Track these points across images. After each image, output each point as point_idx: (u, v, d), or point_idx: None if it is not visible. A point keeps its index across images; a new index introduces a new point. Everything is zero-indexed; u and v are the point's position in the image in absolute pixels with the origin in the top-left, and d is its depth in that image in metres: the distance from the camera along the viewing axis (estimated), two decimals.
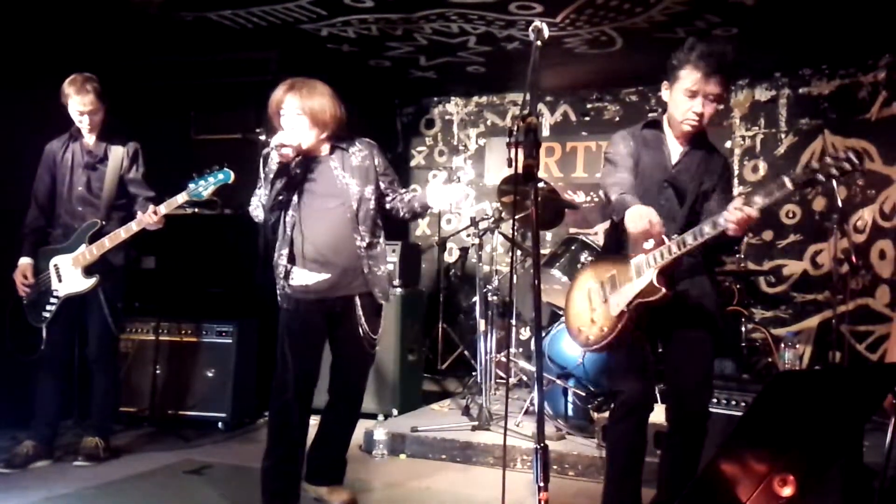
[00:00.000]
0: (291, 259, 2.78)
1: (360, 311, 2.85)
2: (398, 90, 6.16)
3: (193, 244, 4.45)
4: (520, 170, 1.75)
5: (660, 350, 2.55)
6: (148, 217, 3.29)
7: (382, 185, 2.94)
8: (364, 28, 4.51)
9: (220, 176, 3.21)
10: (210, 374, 4.24)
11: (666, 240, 2.32)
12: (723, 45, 2.35)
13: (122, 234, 3.34)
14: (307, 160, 2.83)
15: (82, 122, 3.45)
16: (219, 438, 4.02)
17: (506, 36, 4.61)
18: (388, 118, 6.41)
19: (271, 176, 2.72)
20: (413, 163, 6.38)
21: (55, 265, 3.42)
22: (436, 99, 6.32)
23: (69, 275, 3.40)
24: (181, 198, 3.27)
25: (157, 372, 4.18)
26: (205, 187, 3.22)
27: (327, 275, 2.77)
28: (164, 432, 4.01)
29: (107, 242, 3.34)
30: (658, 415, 2.60)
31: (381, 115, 6.34)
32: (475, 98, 6.21)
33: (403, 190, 3.01)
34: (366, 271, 2.83)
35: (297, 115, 2.74)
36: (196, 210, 4.25)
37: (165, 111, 4.98)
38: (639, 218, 2.24)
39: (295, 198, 2.79)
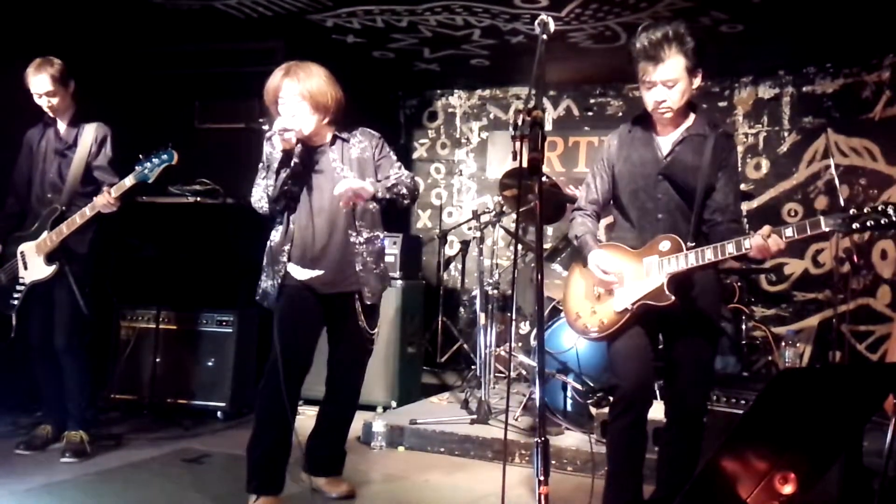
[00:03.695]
0: (290, 255, 2.71)
1: (359, 308, 2.79)
2: (402, 82, 6.15)
3: (195, 233, 4.45)
4: (524, 163, 1.74)
5: (660, 346, 2.55)
6: (102, 198, 3.22)
7: (380, 177, 2.83)
8: (369, 19, 4.50)
9: (164, 156, 3.15)
10: (210, 364, 4.25)
11: (683, 246, 2.32)
12: (663, 26, 2.30)
13: (78, 219, 3.27)
14: (307, 150, 2.75)
15: (43, 105, 3.40)
16: (218, 427, 4.03)
17: (510, 29, 4.60)
18: (390, 110, 6.39)
19: (275, 165, 2.63)
20: (415, 155, 6.37)
21: (21, 252, 3.39)
22: (439, 91, 6.30)
23: (33, 262, 3.36)
24: (129, 181, 3.20)
25: (157, 360, 4.19)
26: (150, 169, 3.16)
27: (321, 271, 2.71)
28: (164, 421, 4.01)
29: (64, 229, 3.29)
30: (658, 411, 2.61)
31: (383, 107, 6.33)
32: (478, 91, 6.19)
33: (392, 180, 2.82)
34: (359, 269, 2.76)
35: (298, 100, 2.65)
36: (198, 199, 4.24)
37: (169, 100, 4.97)
38: (595, 268, 2.43)
39: (297, 190, 2.72)
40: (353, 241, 2.76)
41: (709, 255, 2.26)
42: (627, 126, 2.57)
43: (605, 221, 2.75)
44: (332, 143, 2.79)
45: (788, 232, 2.14)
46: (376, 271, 2.82)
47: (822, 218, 2.10)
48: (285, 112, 2.66)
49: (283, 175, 2.64)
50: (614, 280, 2.42)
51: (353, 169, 2.76)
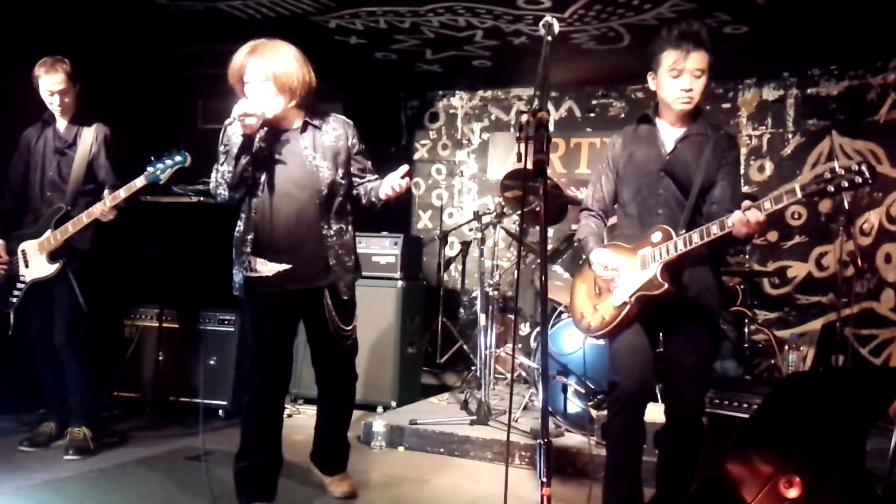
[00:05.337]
0: (255, 245, 2.58)
1: (329, 305, 2.66)
2: (403, 83, 6.14)
3: (198, 232, 4.46)
4: (530, 165, 1.73)
5: (660, 349, 2.58)
6: (98, 207, 3.23)
7: (353, 169, 2.74)
8: (372, 21, 4.49)
9: (178, 158, 3.16)
10: (212, 362, 4.25)
11: (673, 235, 2.36)
12: (695, 24, 2.43)
13: (84, 218, 3.28)
14: (276, 136, 2.61)
15: (53, 103, 3.41)
16: (219, 425, 4.03)
17: (513, 30, 4.59)
18: (392, 111, 6.39)
19: (234, 151, 2.48)
20: (416, 156, 6.36)
21: (22, 250, 3.39)
22: (440, 92, 6.30)
23: (35, 260, 3.37)
24: (139, 181, 3.20)
25: (160, 359, 4.19)
26: (162, 170, 3.16)
27: (287, 265, 2.58)
28: (166, 419, 4.02)
29: (70, 227, 3.30)
30: (658, 414, 2.61)
31: (385, 107, 6.33)
32: (480, 92, 6.19)
33: (372, 176, 2.79)
34: (332, 262, 2.65)
35: (262, 80, 2.50)
36: (201, 199, 4.25)
37: (173, 100, 4.97)
38: (597, 265, 2.47)
39: (263, 177, 2.57)
40: (325, 233, 2.64)
41: (695, 238, 2.31)
42: (633, 126, 2.63)
43: (612, 221, 2.77)
44: (304, 129, 2.65)
45: (767, 204, 2.18)
46: (349, 264, 2.72)
47: (796, 185, 2.13)
48: (250, 93, 2.51)
49: (242, 161, 2.50)
50: (614, 275, 2.45)
51: (325, 158, 2.64)
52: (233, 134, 2.53)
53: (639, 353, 2.47)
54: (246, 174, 2.53)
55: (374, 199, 2.73)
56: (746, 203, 2.21)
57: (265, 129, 2.58)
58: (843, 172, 2.04)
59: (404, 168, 2.65)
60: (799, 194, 2.12)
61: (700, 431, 2.49)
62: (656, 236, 2.42)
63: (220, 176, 2.56)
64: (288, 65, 2.55)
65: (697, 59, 2.37)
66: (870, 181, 2.01)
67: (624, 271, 2.45)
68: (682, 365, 2.46)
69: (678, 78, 2.40)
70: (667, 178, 2.47)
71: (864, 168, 2.02)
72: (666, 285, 2.36)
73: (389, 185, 2.64)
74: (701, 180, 2.43)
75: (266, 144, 2.59)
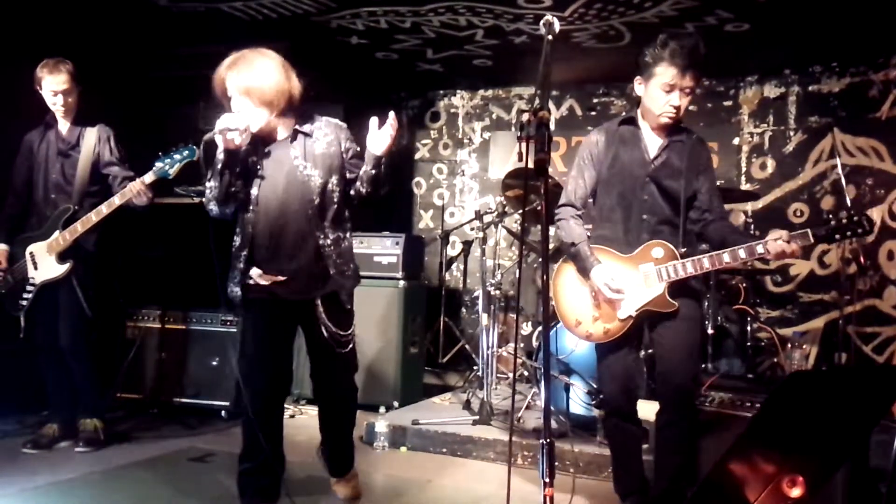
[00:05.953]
0: (250, 260, 2.55)
1: (321, 315, 2.59)
2: (404, 83, 6.15)
3: (200, 233, 4.45)
4: (531, 164, 1.73)
5: (651, 350, 2.62)
6: (137, 184, 3.20)
7: (349, 175, 2.64)
8: (373, 20, 4.49)
9: (186, 153, 3.15)
10: (214, 363, 4.25)
11: (676, 254, 2.41)
12: (694, 39, 2.44)
13: (94, 217, 3.29)
14: (265, 148, 2.55)
15: (56, 104, 3.42)
16: (221, 426, 4.04)
17: (514, 29, 4.59)
18: (393, 111, 6.37)
19: (219, 166, 2.43)
20: (418, 156, 6.36)
21: (30, 252, 3.40)
22: (441, 92, 6.29)
23: (44, 262, 3.38)
24: (149, 177, 3.20)
25: (163, 360, 4.20)
26: (171, 165, 3.16)
27: (286, 277, 2.54)
28: (168, 420, 4.03)
29: (79, 227, 3.31)
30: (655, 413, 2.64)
31: (386, 107, 6.30)
32: (481, 91, 6.18)
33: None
34: (332, 272, 2.59)
35: (239, 95, 2.45)
36: (203, 199, 4.24)
37: (174, 102, 4.97)
38: (605, 288, 2.47)
39: (254, 191, 2.53)
40: (322, 243, 2.57)
41: (706, 263, 2.40)
42: (613, 125, 2.63)
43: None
44: (294, 138, 2.58)
45: (760, 248, 2.36)
46: (348, 273, 2.66)
47: (809, 230, 2.33)
48: (234, 107, 2.48)
49: (227, 177, 2.45)
50: (622, 297, 2.47)
51: (317, 166, 2.56)
52: (217, 150, 2.48)
53: (625, 373, 2.55)
54: (233, 188, 2.49)
55: (372, 171, 2.54)
56: (783, 234, 2.35)
57: (254, 142, 2.53)
58: (845, 222, 2.32)
59: (375, 121, 2.54)
60: (811, 239, 2.34)
61: (693, 413, 2.54)
62: (658, 252, 2.45)
63: (209, 192, 2.55)
64: (261, 78, 2.46)
65: (691, 78, 2.40)
66: (870, 232, 2.34)
67: (626, 285, 2.47)
68: (671, 350, 2.50)
69: (670, 94, 2.42)
70: (652, 184, 2.51)
71: (864, 220, 2.30)
72: (676, 305, 2.43)
73: (377, 141, 2.51)
74: (689, 190, 2.49)
75: (256, 158, 2.56)
